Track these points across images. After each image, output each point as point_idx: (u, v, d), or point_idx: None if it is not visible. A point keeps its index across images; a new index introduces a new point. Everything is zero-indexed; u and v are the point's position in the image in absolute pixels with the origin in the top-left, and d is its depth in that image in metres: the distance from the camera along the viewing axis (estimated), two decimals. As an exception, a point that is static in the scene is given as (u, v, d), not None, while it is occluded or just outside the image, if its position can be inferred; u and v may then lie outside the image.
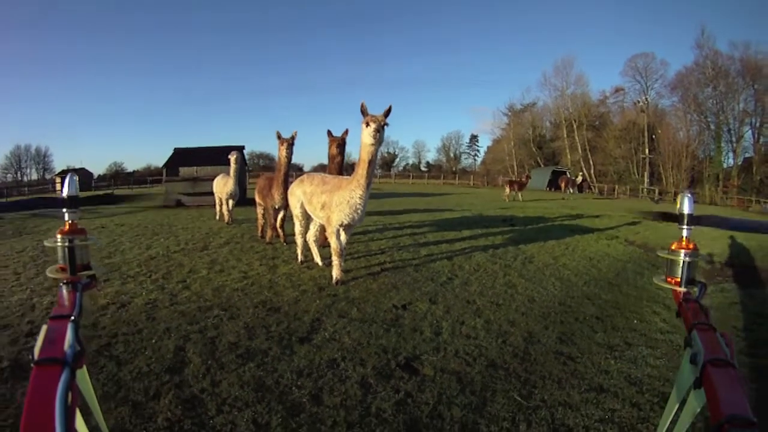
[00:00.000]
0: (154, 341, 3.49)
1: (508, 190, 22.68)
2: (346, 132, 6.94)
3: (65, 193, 1.15)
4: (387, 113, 4.38)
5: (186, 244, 7.58)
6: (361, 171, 4.63)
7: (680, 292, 1.22)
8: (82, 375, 0.99)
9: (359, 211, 4.88)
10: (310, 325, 3.85)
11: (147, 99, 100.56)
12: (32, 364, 0.81)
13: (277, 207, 7.39)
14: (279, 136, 6.95)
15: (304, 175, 5.97)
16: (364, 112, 4.36)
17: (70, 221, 1.15)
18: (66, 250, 1.12)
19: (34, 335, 3.48)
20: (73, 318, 0.96)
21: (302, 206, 5.80)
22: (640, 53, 47.80)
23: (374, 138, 4.35)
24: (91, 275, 1.17)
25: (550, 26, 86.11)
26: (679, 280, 1.22)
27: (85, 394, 1.00)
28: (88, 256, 1.17)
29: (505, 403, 2.71)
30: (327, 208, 5.14)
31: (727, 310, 4.97)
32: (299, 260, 6.13)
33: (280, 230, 7.60)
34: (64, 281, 1.11)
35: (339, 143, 6.84)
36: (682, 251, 1.22)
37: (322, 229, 6.05)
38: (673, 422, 1.02)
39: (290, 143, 6.96)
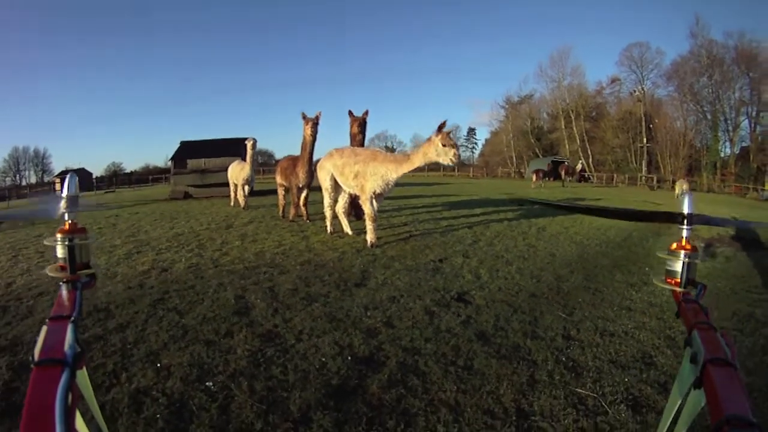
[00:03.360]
0: (210, 293, 3.58)
1: (534, 178, 25.16)
2: (367, 112, 7.07)
3: (65, 192, 1.16)
4: (441, 128, 4.76)
5: (209, 224, 7.66)
6: (408, 167, 5.07)
7: (680, 293, 1.21)
8: (83, 375, 0.97)
9: (390, 185, 5.33)
10: (360, 275, 4.01)
11: (143, 99, 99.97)
12: (32, 365, 0.80)
13: (301, 185, 7.50)
14: (304, 116, 7.04)
15: (333, 150, 6.11)
16: (440, 128, 4.74)
17: (69, 220, 1.15)
18: (66, 249, 1.12)
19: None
20: (73, 318, 0.96)
21: (332, 178, 5.95)
22: (635, 42, 47.84)
23: (451, 159, 4.77)
24: (91, 274, 1.17)
25: (546, 17, 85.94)
26: (678, 280, 1.22)
27: (85, 395, 0.99)
28: (88, 255, 1.17)
29: (553, 319, 3.14)
30: (361, 177, 5.35)
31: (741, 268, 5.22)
32: (329, 231, 6.27)
33: (303, 209, 7.72)
34: (64, 280, 1.10)
35: (360, 122, 6.97)
36: (682, 252, 1.20)
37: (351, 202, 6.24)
38: (673, 422, 1.03)
39: (315, 122, 7.05)
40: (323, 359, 2.46)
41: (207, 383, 2.22)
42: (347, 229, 6.18)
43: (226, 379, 2.27)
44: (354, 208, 7.00)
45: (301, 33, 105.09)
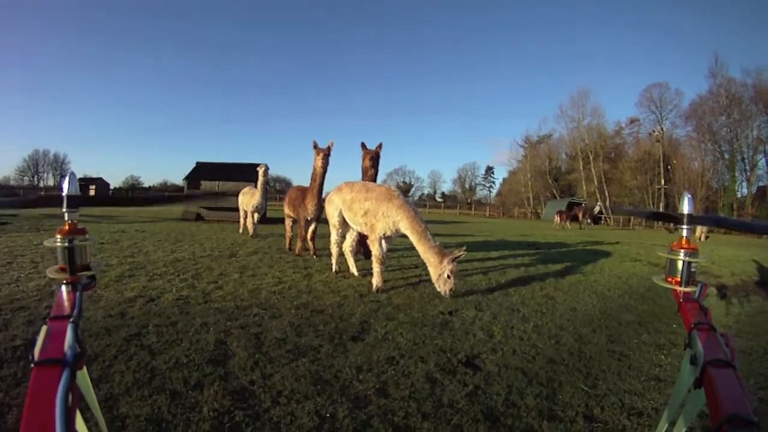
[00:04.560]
0: (191, 334, 3.27)
1: (558, 219, 26.05)
2: (380, 146, 6.84)
3: (65, 192, 1.13)
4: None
5: (212, 251, 7.44)
6: (419, 242, 4.73)
7: (680, 292, 1.21)
8: (83, 376, 0.98)
9: (399, 233, 4.99)
10: (359, 326, 3.61)
11: (168, 115, 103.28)
12: (32, 365, 0.80)
13: (309, 218, 7.22)
14: (315, 146, 6.83)
15: (342, 184, 5.83)
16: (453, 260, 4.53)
17: (69, 221, 1.14)
18: (66, 250, 1.10)
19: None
20: (72, 319, 0.95)
21: (340, 214, 5.64)
22: (655, 83, 48.17)
23: (444, 291, 4.62)
24: (91, 275, 1.15)
25: (566, 57, 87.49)
26: (679, 279, 1.22)
27: (86, 395, 1.00)
28: (87, 256, 1.15)
29: (574, 393, 2.69)
30: (371, 216, 5.02)
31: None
32: (334, 270, 5.92)
33: (310, 242, 7.40)
34: (64, 281, 1.10)
35: (372, 156, 6.71)
36: (682, 251, 1.21)
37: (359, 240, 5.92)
38: (673, 423, 1.02)
39: (326, 153, 6.82)
40: (299, 434, 2.06)
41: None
42: (353, 269, 5.82)
43: None
44: (362, 246, 6.65)
45: (323, 62, 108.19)
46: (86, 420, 0.95)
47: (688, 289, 1.21)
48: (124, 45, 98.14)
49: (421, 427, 2.17)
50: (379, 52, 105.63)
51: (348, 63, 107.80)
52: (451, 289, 4.51)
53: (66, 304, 1.03)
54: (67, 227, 1.13)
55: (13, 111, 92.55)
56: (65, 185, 1.15)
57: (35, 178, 64.26)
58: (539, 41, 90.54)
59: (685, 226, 1.23)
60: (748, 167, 40.40)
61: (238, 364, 2.77)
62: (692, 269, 1.21)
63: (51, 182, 63.39)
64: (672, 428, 1.04)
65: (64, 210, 1.14)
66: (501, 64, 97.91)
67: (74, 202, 1.16)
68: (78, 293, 1.08)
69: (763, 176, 40.07)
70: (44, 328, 0.91)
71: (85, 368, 0.99)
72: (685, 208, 1.24)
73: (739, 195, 40.70)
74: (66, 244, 1.11)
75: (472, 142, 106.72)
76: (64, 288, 1.08)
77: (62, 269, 1.12)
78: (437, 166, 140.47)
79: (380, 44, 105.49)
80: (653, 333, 4.02)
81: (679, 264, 1.21)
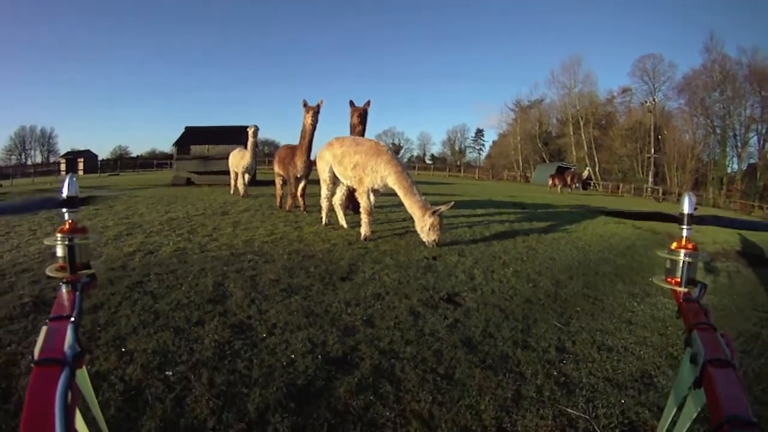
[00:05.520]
0: (190, 278, 3.45)
1: (551, 182, 26.63)
2: (368, 103, 6.85)
3: (65, 193, 1.14)
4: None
5: (205, 210, 7.53)
6: (405, 196, 4.94)
7: (680, 293, 1.20)
8: (82, 375, 0.98)
9: (386, 188, 5.16)
10: (348, 268, 3.83)
11: (153, 83, 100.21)
12: (32, 365, 0.81)
13: (299, 175, 7.31)
14: (305, 104, 6.83)
15: (333, 139, 5.91)
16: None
17: (69, 220, 1.14)
18: (66, 249, 1.10)
19: (51, 279, 3.49)
20: (72, 319, 0.96)
21: (330, 170, 5.75)
22: (648, 54, 47.31)
23: (427, 241, 4.88)
24: (91, 274, 1.15)
25: (559, 24, 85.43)
26: (679, 280, 1.20)
27: (85, 394, 1.00)
28: (88, 255, 1.15)
29: (548, 328, 2.90)
30: (360, 169, 5.13)
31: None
32: (324, 222, 6.09)
33: (300, 199, 7.53)
34: (64, 280, 1.09)
35: (360, 113, 6.74)
36: (682, 251, 1.20)
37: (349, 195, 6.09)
38: (673, 422, 1.02)
39: (316, 111, 6.82)
40: (292, 356, 2.28)
41: (167, 372, 2.10)
42: (342, 221, 6.00)
43: (188, 369, 2.13)
44: (352, 201, 6.80)
45: (313, 26, 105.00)
46: (86, 420, 0.97)
47: (688, 289, 1.21)
48: (100, 13, 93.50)
49: (405, 350, 2.40)
50: (370, 16, 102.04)
51: (338, 27, 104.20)
52: (434, 240, 4.73)
53: (66, 303, 1.03)
54: (67, 226, 1.13)
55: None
56: (65, 186, 1.15)
57: (23, 156, 62.41)
58: (535, 9, 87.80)
59: (685, 227, 1.22)
60: (739, 144, 40.25)
61: (235, 303, 2.97)
62: (692, 269, 1.21)
63: (39, 159, 61.73)
64: (672, 428, 1.03)
65: (64, 210, 1.14)
66: (493, 31, 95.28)
67: (74, 202, 1.16)
68: (78, 293, 1.08)
69: (753, 153, 39.92)
70: (44, 328, 0.91)
71: (84, 367, 1.00)
72: (686, 207, 1.23)
73: (729, 170, 40.93)
74: (66, 243, 1.11)
75: (463, 105, 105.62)
76: (63, 287, 1.08)
77: (62, 268, 1.12)
78: (427, 128, 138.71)
79: (371, 8, 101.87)
80: (629, 283, 4.24)
81: (679, 264, 1.20)
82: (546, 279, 4.05)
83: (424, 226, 4.70)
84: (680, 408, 1.03)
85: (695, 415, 0.97)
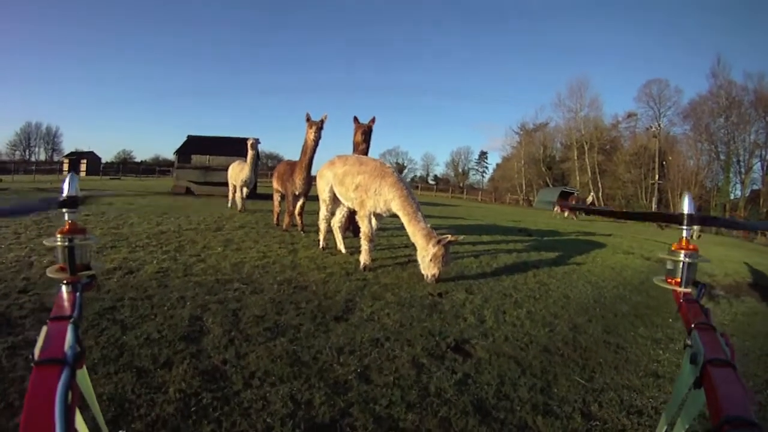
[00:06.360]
0: (166, 308, 3.12)
1: (558, 210, 25.91)
2: (373, 120, 6.58)
3: (65, 193, 1.13)
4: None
5: (198, 224, 7.22)
6: (410, 224, 4.51)
7: (680, 293, 1.20)
8: (83, 375, 0.98)
9: (390, 212, 4.79)
10: (343, 305, 3.45)
11: (160, 89, 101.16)
12: (32, 365, 0.80)
13: (297, 193, 7.00)
14: (308, 119, 6.56)
15: (335, 157, 5.59)
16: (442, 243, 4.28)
17: (69, 221, 1.13)
18: (66, 250, 1.09)
19: (29, 292, 3.29)
20: (73, 319, 0.94)
21: (331, 189, 5.41)
22: (655, 79, 47.47)
23: (430, 276, 4.40)
24: (91, 275, 1.14)
25: (565, 48, 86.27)
26: (679, 280, 1.20)
27: (85, 394, 0.99)
28: (88, 256, 1.14)
29: (570, 386, 2.56)
30: (362, 191, 4.78)
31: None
32: (321, 246, 5.73)
33: (298, 218, 7.19)
34: (64, 281, 1.08)
35: (365, 130, 6.45)
36: (682, 252, 1.20)
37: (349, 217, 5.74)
38: (673, 423, 1.02)
39: (319, 126, 6.56)
40: (269, 420, 1.89)
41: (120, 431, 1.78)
42: (341, 246, 5.64)
43: (144, 428, 1.79)
44: (352, 223, 6.45)
45: (322, 39, 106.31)
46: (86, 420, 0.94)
47: (688, 290, 1.20)
48: (115, 17, 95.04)
49: (405, 418, 2.02)
50: (377, 32, 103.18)
51: (345, 42, 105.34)
52: (434, 275, 4.28)
53: (66, 304, 1.02)
54: (67, 226, 1.12)
55: (5, 83, 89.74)
56: (65, 186, 1.14)
57: (27, 152, 62.83)
58: (544, 30, 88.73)
59: (685, 227, 1.21)
60: (743, 170, 40.30)
61: (211, 342, 2.62)
62: (692, 270, 1.20)
63: (42, 156, 62.17)
64: (672, 428, 1.03)
65: (64, 210, 1.13)
66: (501, 53, 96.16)
67: (74, 202, 1.15)
68: (78, 293, 1.06)
69: (757, 179, 39.91)
70: (44, 328, 0.90)
71: (85, 368, 0.98)
72: (686, 207, 1.22)
73: (732, 197, 40.76)
74: (66, 244, 1.09)
75: (467, 126, 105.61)
76: (64, 288, 1.07)
77: (62, 269, 1.11)
78: (431, 148, 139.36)
79: (379, 24, 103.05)
80: (650, 326, 3.91)
81: (680, 265, 1.20)
82: (563, 322, 3.68)
83: (426, 256, 4.25)
84: (680, 408, 1.02)
85: (695, 415, 0.98)
